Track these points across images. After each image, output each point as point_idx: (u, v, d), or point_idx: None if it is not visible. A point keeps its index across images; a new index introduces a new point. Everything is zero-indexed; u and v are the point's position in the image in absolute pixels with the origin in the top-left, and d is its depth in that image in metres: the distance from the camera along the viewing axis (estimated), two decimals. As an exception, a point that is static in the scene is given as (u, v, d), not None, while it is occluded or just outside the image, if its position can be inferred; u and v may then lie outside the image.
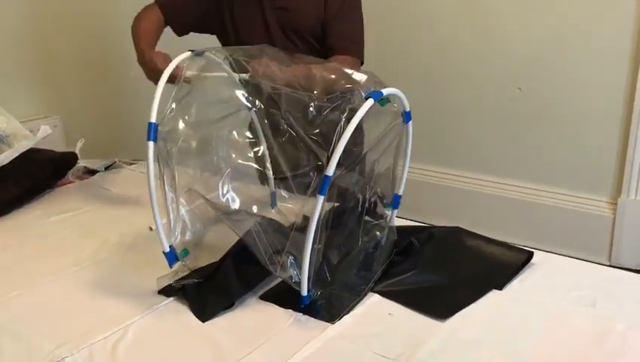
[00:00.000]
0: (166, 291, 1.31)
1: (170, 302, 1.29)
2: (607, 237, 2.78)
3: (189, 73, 1.39)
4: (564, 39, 2.72)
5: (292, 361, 1.09)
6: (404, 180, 1.49)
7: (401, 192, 1.50)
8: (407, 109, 1.37)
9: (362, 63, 1.86)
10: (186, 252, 1.32)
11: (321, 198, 1.16)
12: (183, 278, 1.31)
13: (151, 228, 1.63)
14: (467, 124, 3.09)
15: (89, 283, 1.38)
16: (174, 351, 1.14)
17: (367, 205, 1.41)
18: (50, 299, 1.32)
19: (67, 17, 2.52)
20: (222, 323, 1.22)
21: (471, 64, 3.00)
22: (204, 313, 1.24)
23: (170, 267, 1.29)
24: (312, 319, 1.22)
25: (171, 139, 1.30)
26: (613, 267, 2.08)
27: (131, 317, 1.23)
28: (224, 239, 1.34)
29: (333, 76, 1.40)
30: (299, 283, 1.22)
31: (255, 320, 1.23)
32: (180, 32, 1.93)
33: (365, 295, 1.30)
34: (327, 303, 1.25)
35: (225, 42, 1.92)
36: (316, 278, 1.24)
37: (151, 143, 1.25)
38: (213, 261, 1.35)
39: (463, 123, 3.10)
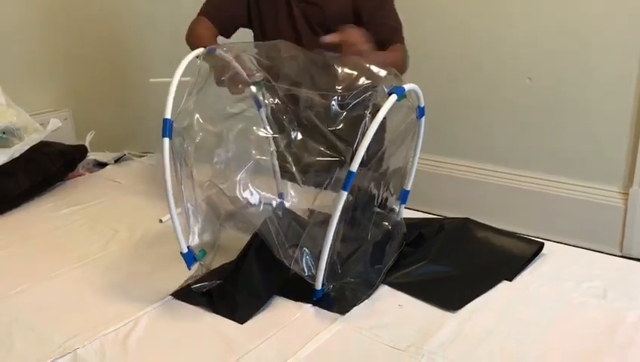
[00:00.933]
0: (182, 295, 1.27)
1: (180, 293, 1.29)
2: (618, 228, 2.76)
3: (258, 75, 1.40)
4: (574, 28, 2.70)
5: (301, 353, 1.09)
6: (412, 175, 1.48)
7: (409, 188, 1.49)
8: (422, 105, 1.36)
9: None
10: (203, 252, 1.29)
11: (344, 194, 1.15)
12: (199, 280, 1.28)
13: (161, 221, 1.64)
14: (477, 114, 3.07)
15: (99, 275, 1.38)
16: (184, 342, 1.15)
17: (379, 201, 1.40)
18: (61, 292, 1.33)
19: (78, 11, 2.52)
20: (232, 314, 1.22)
21: (480, 54, 2.98)
22: (238, 315, 1.20)
23: (189, 268, 1.26)
24: (321, 310, 1.22)
25: (188, 136, 1.28)
26: (625, 258, 2.06)
27: (142, 309, 1.23)
28: (237, 239, 1.34)
29: (354, 72, 1.37)
30: (312, 277, 1.22)
31: (264, 311, 1.23)
32: (228, 34, 1.93)
33: (377, 287, 1.29)
34: (339, 295, 1.25)
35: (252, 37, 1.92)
36: (328, 272, 1.24)
37: (166, 140, 1.21)
38: (226, 261, 1.33)
39: (472, 113, 3.08)
